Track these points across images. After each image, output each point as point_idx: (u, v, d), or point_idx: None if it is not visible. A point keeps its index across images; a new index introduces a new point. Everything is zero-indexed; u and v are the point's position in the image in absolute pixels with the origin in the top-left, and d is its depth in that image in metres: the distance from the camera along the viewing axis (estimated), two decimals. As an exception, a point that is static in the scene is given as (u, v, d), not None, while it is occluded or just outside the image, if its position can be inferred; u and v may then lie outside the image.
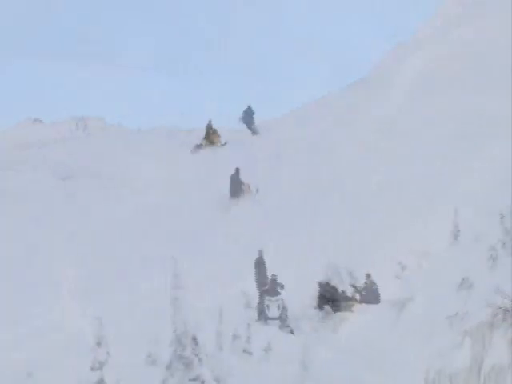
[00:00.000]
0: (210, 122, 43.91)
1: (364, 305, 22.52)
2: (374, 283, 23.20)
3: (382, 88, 55.59)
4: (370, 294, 23.00)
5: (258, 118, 43.98)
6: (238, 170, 35.68)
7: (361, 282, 23.96)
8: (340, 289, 22.65)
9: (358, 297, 23.15)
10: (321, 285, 22.57)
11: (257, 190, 36.07)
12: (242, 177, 36.92)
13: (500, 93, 41.76)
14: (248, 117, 43.92)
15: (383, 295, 22.85)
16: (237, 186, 35.39)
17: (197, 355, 12.55)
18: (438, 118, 44.68)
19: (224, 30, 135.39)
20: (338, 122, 45.08)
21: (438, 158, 39.43)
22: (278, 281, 21.95)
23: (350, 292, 23.20)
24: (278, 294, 21.48)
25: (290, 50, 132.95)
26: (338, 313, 21.59)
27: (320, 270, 27.77)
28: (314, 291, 23.11)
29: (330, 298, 22.03)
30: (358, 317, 21.34)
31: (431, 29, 52.62)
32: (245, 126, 43.82)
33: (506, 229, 25.88)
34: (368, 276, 23.49)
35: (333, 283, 22.77)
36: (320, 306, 21.85)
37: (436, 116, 45.18)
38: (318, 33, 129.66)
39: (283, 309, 21.06)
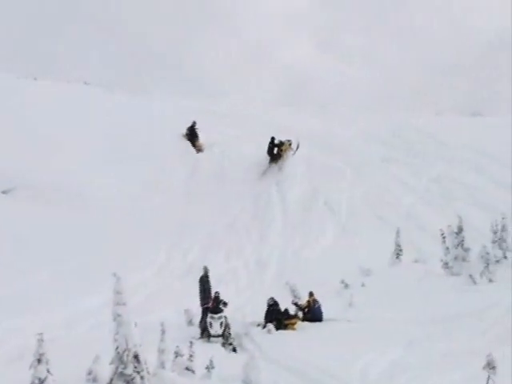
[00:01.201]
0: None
1: (307, 323, 22.61)
2: (316, 301, 23.28)
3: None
4: (312, 312, 23.10)
5: (202, 135, 43.96)
6: None
7: (304, 300, 24.08)
8: (283, 307, 22.68)
9: (300, 315, 23.23)
10: (267, 302, 22.62)
11: None
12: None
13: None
14: (192, 134, 43.79)
15: (326, 313, 22.99)
16: None
17: (138, 373, 12.46)
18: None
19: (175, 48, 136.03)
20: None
21: (383, 177, 40.24)
22: (222, 298, 21.91)
23: (292, 310, 23.26)
24: (221, 311, 21.41)
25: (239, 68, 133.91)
26: (281, 331, 21.64)
27: (265, 287, 28.02)
28: (257, 308, 23.22)
29: (274, 316, 22.08)
30: (300, 335, 21.41)
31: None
32: (189, 143, 43.69)
33: (448, 249, 26.47)
34: (311, 294, 23.58)
35: (277, 301, 22.81)
36: (264, 324, 21.88)
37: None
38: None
39: (226, 326, 20.99)
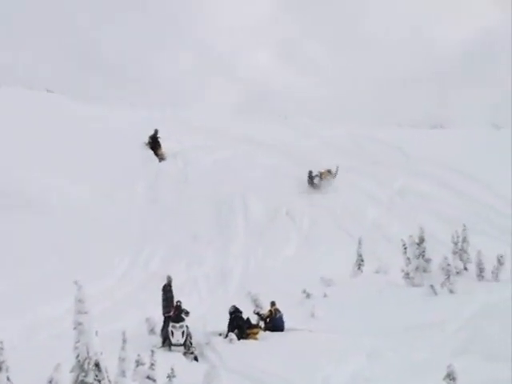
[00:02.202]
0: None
1: (268, 332, 22.58)
2: (278, 311, 23.27)
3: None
4: (274, 322, 23.07)
5: (165, 144, 43.81)
6: None
7: (266, 309, 24.05)
8: (245, 316, 22.63)
9: (262, 324, 23.20)
10: (228, 310, 22.56)
11: None
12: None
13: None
14: (154, 142, 43.61)
15: (288, 323, 22.98)
16: None
17: (99, 381, 12.33)
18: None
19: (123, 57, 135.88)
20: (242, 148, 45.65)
21: (347, 188, 40.59)
22: (183, 307, 21.79)
23: (254, 319, 23.21)
24: (182, 320, 21.27)
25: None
26: (243, 340, 21.58)
27: (227, 296, 27.95)
28: (219, 318, 23.13)
29: (236, 325, 22.03)
30: (262, 345, 21.38)
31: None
32: (151, 151, 43.50)
33: (409, 259, 26.66)
34: (273, 304, 23.55)
35: (238, 308, 22.76)
36: (227, 333, 21.81)
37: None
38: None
39: (188, 335, 20.87)
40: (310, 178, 40.74)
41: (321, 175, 40.71)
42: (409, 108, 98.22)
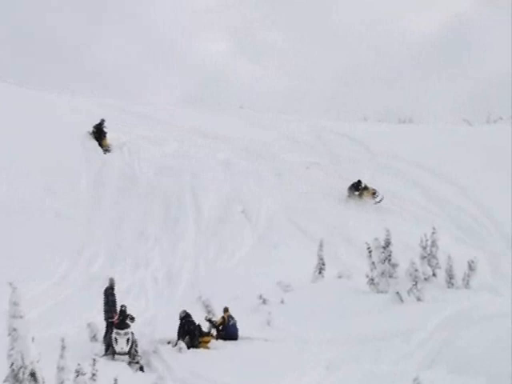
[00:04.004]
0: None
1: (221, 341, 22.58)
2: (231, 318, 23.27)
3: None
4: (227, 330, 23.08)
5: (111, 135, 43.47)
6: None
7: (218, 316, 24.05)
8: (196, 323, 22.60)
9: (214, 332, 23.20)
10: (179, 315, 22.51)
11: None
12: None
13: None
14: (99, 132, 43.23)
15: (242, 331, 23.01)
16: None
17: (35, 392, 12.28)
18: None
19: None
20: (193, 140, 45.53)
21: (307, 184, 40.74)
22: (128, 312, 21.66)
23: (206, 327, 23.20)
24: (127, 326, 21.14)
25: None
26: (193, 349, 21.57)
27: (175, 301, 27.84)
28: (167, 324, 23.07)
29: (188, 331, 21.99)
30: (213, 354, 21.39)
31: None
32: (96, 142, 43.08)
33: (374, 264, 26.82)
34: (226, 310, 23.55)
35: (189, 313, 22.72)
36: (176, 341, 21.76)
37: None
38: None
39: (133, 343, 20.77)
40: (355, 187, 39.95)
41: (363, 190, 39.91)
42: (375, 101, 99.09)
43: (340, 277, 29.62)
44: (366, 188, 39.56)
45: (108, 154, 42.48)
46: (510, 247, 33.65)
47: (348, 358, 19.28)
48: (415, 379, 13.81)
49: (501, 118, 59.47)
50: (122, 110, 50.42)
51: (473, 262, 26.12)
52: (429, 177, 41.23)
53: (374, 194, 39.53)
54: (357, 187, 39.58)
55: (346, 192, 39.76)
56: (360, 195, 39.53)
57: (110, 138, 43.13)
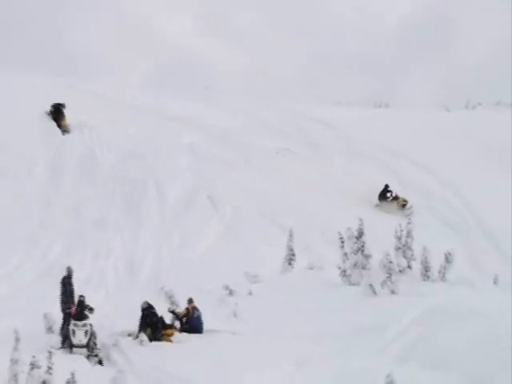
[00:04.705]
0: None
1: (185, 334, 22.53)
2: (196, 309, 23.22)
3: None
4: (191, 322, 23.03)
5: (70, 115, 43.11)
6: None
7: (182, 307, 23.99)
8: (159, 314, 22.51)
9: (178, 325, 23.14)
10: (140, 307, 22.42)
11: None
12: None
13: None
14: (58, 112, 42.85)
15: (207, 324, 22.98)
16: None
17: (-13, 387, 12.19)
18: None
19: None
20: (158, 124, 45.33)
21: (277, 171, 40.74)
22: (87, 303, 21.55)
23: (169, 319, 23.13)
24: (85, 317, 21.03)
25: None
26: (155, 342, 21.49)
27: (137, 291, 27.72)
28: (128, 316, 22.98)
29: (150, 323, 21.91)
30: (177, 347, 21.33)
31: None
32: (54, 122, 42.71)
33: (346, 255, 26.87)
34: (190, 301, 23.49)
35: (151, 304, 22.63)
36: (137, 334, 21.68)
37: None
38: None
39: (91, 335, 20.65)
40: (385, 192, 38.86)
41: (395, 199, 38.74)
42: (350, 85, 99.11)
43: (311, 268, 29.68)
44: (396, 198, 38.53)
45: (67, 135, 42.18)
46: (489, 240, 33.93)
47: (319, 353, 19.28)
48: (388, 375, 13.86)
49: (479, 104, 59.78)
50: (82, 89, 50.08)
51: (449, 254, 26.26)
52: (403, 163, 41.40)
53: (404, 205, 38.41)
54: (384, 194, 38.65)
55: (375, 200, 38.70)
56: (390, 205, 38.50)
57: (69, 119, 42.82)
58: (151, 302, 22.80)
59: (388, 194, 38.24)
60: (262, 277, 28.76)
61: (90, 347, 20.46)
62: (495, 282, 26.15)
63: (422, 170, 40.96)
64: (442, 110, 57.40)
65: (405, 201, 38.41)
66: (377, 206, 38.42)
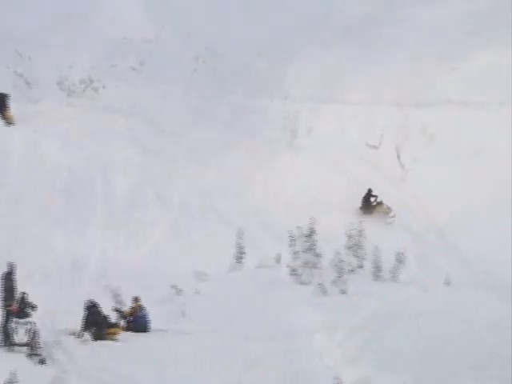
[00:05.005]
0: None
1: (130, 333, 22.41)
2: (142, 308, 23.12)
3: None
4: (137, 321, 22.91)
5: (14, 105, 42.52)
6: None
7: (127, 306, 23.84)
8: (103, 313, 22.36)
9: (123, 323, 23.00)
10: (84, 305, 22.24)
11: None
12: None
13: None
14: (1, 102, 42.22)
15: (153, 323, 22.89)
16: None
17: None
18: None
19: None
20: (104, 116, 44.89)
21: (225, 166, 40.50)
22: (29, 300, 21.32)
23: (114, 317, 22.98)
24: (27, 315, 20.82)
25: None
26: (100, 341, 21.34)
27: (81, 289, 27.50)
28: (72, 314, 22.79)
29: (93, 322, 21.75)
30: (122, 347, 21.22)
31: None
32: None
33: (297, 253, 26.92)
34: (136, 299, 23.38)
35: (96, 302, 22.46)
36: (81, 332, 21.52)
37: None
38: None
39: (34, 333, 20.46)
40: (369, 196, 38.27)
41: (378, 203, 38.09)
42: (298, 78, 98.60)
43: (260, 266, 29.68)
44: (380, 204, 38.04)
45: (11, 126, 41.61)
46: (442, 241, 34.25)
47: (267, 353, 19.30)
48: (336, 377, 13.93)
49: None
50: (25, 80, 49.45)
51: (402, 253, 26.45)
52: (353, 160, 41.46)
53: (388, 213, 37.83)
54: (368, 199, 38.16)
55: (359, 204, 38.11)
56: (372, 211, 37.93)
57: (13, 110, 42.22)
58: (96, 300, 22.64)
59: (372, 199, 38.43)
60: (210, 275, 28.73)
61: (32, 346, 20.24)
62: (447, 283, 26.39)
63: (372, 166, 41.06)
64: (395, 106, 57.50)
65: (388, 208, 37.93)
66: (360, 210, 38.36)
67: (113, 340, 21.72)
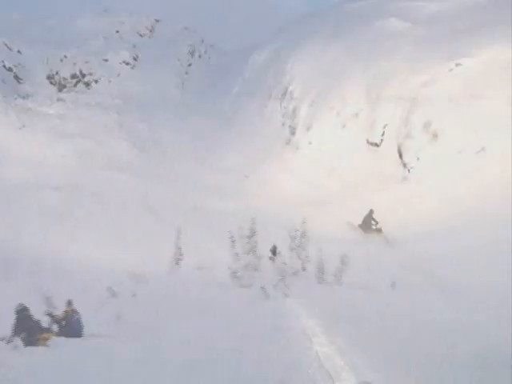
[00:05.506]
0: None
1: (63, 338, 22.12)
2: (75, 312, 22.83)
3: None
4: (70, 326, 22.63)
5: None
6: None
7: (60, 310, 23.54)
8: (35, 318, 22.02)
9: (55, 328, 22.70)
10: (15, 309, 21.90)
11: None
12: None
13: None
14: None
15: (87, 327, 22.63)
16: None
17: None
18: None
19: None
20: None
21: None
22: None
23: (46, 322, 22.66)
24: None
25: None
26: (31, 347, 21.01)
27: (11, 292, 27.10)
28: (2, 318, 22.44)
29: (25, 328, 21.42)
30: (54, 353, 20.91)
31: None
32: None
33: (237, 255, 26.87)
34: (69, 303, 23.08)
35: (27, 307, 22.13)
36: (11, 338, 21.18)
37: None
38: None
39: (-40, 339, 20.17)
40: (371, 219, 39.17)
41: (377, 229, 39.05)
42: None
43: (200, 268, 29.57)
44: (379, 231, 38.76)
45: None
46: (387, 243, 34.49)
47: (207, 359, 19.14)
48: (280, 381, 13.86)
49: None
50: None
51: (346, 256, 26.48)
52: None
53: (379, 231, 38.87)
54: (369, 221, 38.90)
55: (360, 227, 38.96)
56: (374, 227, 39.03)
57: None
58: (27, 305, 22.30)
59: (373, 222, 38.78)
60: (147, 277, 28.50)
61: (-42, 352, 19.91)
62: (392, 286, 26.50)
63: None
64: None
65: (386, 238, 38.31)
66: (360, 228, 38.81)
67: (44, 345, 21.36)
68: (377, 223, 38.74)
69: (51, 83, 49.10)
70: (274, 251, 29.86)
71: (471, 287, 25.15)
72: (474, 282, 25.66)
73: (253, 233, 26.96)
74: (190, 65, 63.20)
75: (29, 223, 34.00)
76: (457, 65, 45.21)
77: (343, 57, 49.83)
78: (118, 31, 68.11)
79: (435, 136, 42.21)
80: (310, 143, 44.54)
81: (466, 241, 31.04)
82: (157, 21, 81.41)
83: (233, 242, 27.16)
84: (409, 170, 41.28)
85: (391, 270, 28.95)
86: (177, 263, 29.85)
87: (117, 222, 35.39)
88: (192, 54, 65.02)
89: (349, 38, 51.76)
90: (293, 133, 46.63)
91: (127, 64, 60.07)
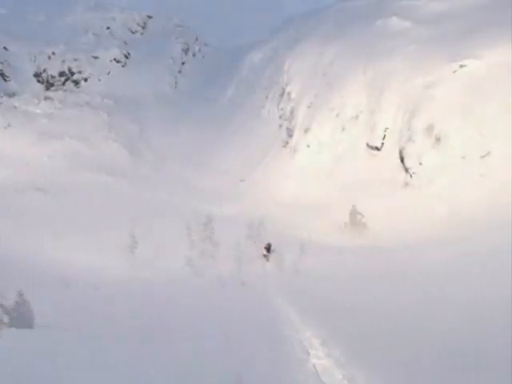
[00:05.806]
0: None
1: (14, 329, 21.91)
2: (28, 302, 22.63)
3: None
4: (21, 316, 22.42)
5: None
6: None
7: (11, 300, 23.32)
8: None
9: (6, 319, 22.47)
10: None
11: None
12: None
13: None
14: None
15: (40, 318, 22.42)
16: None
17: None
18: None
19: None
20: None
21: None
22: None
23: (-5, 318, 22.42)
24: None
25: None
26: (-20, 338, 20.77)
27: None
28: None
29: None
30: (4, 344, 20.71)
31: None
32: None
33: (193, 241, 26.75)
34: (20, 294, 22.86)
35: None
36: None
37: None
38: None
39: None
40: (356, 214, 39.99)
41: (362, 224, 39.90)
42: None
43: (156, 258, 29.40)
44: (364, 225, 39.68)
45: None
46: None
47: (162, 353, 19.03)
48: (237, 374, 13.83)
49: None
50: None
51: (303, 244, 26.47)
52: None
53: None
54: (354, 218, 39.91)
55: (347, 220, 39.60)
56: (360, 220, 39.86)
57: None
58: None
59: (358, 217, 38.98)
60: (102, 267, 28.38)
61: None
62: (356, 276, 26.52)
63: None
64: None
65: (367, 226, 39.70)
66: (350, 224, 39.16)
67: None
68: (362, 217, 39.18)
69: (38, 81, 48.75)
70: (268, 249, 29.88)
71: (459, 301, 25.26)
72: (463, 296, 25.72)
73: (209, 220, 26.85)
74: (183, 63, 62.91)
75: (11, 224, 33.68)
76: (461, 66, 45.15)
77: (343, 56, 49.79)
78: (108, 27, 67.67)
79: (438, 140, 42.22)
80: (308, 146, 44.52)
81: (467, 251, 30.83)
82: (149, 17, 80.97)
83: (189, 229, 27.10)
84: (411, 176, 41.28)
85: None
86: (131, 251, 29.65)
87: (102, 226, 35.09)
88: (186, 52, 64.69)
89: (348, 37, 51.72)
90: (290, 135, 46.63)
91: (118, 62, 59.70)
